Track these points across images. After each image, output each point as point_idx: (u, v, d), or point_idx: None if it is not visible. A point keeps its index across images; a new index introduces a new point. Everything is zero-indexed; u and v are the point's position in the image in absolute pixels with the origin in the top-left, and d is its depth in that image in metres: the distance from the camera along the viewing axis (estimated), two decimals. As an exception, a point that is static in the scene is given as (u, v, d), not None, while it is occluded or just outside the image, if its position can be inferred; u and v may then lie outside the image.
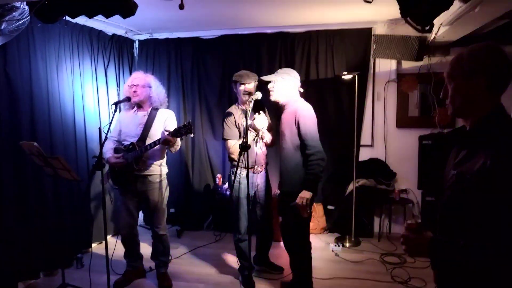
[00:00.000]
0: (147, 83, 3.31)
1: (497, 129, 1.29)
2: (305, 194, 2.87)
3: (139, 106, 3.34)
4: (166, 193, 3.42)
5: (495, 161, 1.21)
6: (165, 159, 3.44)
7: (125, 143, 3.26)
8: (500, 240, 1.19)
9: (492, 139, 1.27)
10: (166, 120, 3.32)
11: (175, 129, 3.04)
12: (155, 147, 3.15)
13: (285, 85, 3.02)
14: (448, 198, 1.39)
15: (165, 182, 3.41)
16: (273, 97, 3.08)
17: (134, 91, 3.25)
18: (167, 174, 3.47)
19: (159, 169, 3.35)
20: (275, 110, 3.80)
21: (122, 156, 3.20)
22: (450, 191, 1.38)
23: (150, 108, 3.34)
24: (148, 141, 3.19)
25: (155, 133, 3.23)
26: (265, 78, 3.13)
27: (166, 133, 3.04)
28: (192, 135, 3.09)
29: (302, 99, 3.10)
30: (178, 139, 3.21)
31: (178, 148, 3.32)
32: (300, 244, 3.10)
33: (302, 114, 2.93)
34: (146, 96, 3.30)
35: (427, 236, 1.35)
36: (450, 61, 1.41)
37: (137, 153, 3.15)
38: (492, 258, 1.19)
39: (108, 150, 3.29)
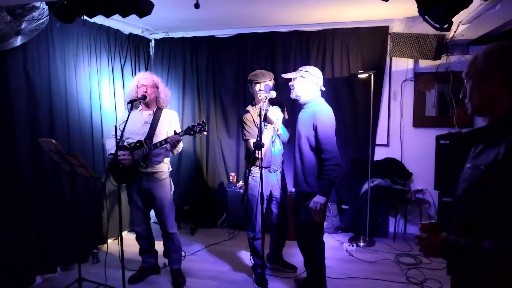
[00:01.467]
0: (155, 83, 3.36)
1: None
2: (319, 199, 2.84)
3: (146, 105, 3.38)
4: (171, 191, 3.46)
5: (507, 154, 1.22)
6: (169, 158, 3.48)
7: (130, 141, 3.28)
8: (507, 234, 1.18)
9: (507, 132, 1.27)
10: (171, 122, 3.36)
11: (188, 127, 3.07)
12: (160, 147, 3.20)
13: (305, 83, 2.97)
14: (462, 191, 1.40)
15: (169, 180, 3.45)
16: (293, 95, 3.03)
17: (145, 91, 3.29)
18: (173, 171, 3.51)
19: (164, 166, 3.40)
20: (294, 108, 3.79)
21: (128, 153, 3.23)
22: (465, 184, 1.39)
23: (156, 108, 3.38)
24: (155, 139, 3.23)
25: (161, 132, 3.28)
26: (286, 75, 3.10)
27: (173, 135, 3.08)
28: (205, 133, 3.11)
29: (323, 100, 3.04)
30: (180, 142, 3.26)
31: (179, 150, 3.36)
32: (314, 244, 3.09)
33: (320, 117, 2.87)
34: (154, 96, 3.35)
35: (441, 236, 1.36)
36: (467, 61, 1.42)
37: (145, 150, 3.19)
38: (500, 253, 1.19)
39: (113, 147, 3.32)
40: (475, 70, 1.37)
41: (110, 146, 3.34)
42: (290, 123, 3.64)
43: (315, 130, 2.87)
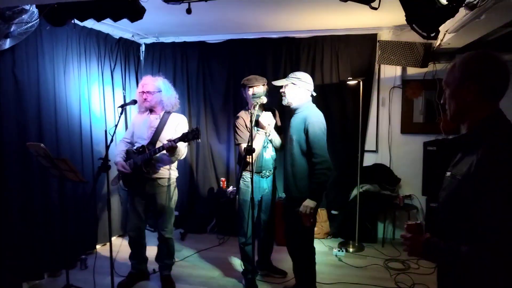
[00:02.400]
0: (157, 88, 3.32)
1: (490, 132, 1.32)
2: (309, 203, 2.84)
3: (151, 109, 3.38)
4: (174, 197, 3.45)
5: (479, 163, 1.26)
6: (176, 164, 3.45)
7: (137, 145, 3.31)
8: (481, 239, 1.23)
9: (482, 142, 1.31)
10: (177, 126, 3.34)
11: (182, 134, 3.06)
12: (160, 153, 3.18)
13: (296, 89, 3.00)
14: (443, 199, 1.46)
15: (174, 186, 3.43)
16: (284, 101, 3.06)
17: (145, 99, 3.29)
18: (177, 178, 3.49)
19: (168, 172, 3.37)
20: (285, 113, 3.82)
21: (129, 164, 3.24)
22: (444, 193, 1.44)
23: (163, 112, 3.37)
24: (159, 144, 3.22)
25: (166, 137, 3.23)
26: (276, 83, 3.12)
27: (167, 141, 3.07)
28: (199, 140, 3.11)
29: (314, 105, 3.07)
30: (183, 149, 3.24)
31: (180, 156, 3.30)
32: (304, 249, 3.09)
33: (311, 121, 2.89)
34: (157, 101, 3.33)
35: (424, 237, 1.41)
36: (446, 69, 1.47)
37: (146, 156, 3.18)
38: (476, 258, 1.24)
39: (120, 153, 3.34)
40: (452, 78, 1.39)
41: (118, 151, 3.34)
42: (282, 129, 3.67)
43: (306, 134, 2.89)
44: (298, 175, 2.98)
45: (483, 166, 1.25)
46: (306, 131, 2.89)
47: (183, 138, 3.04)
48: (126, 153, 3.35)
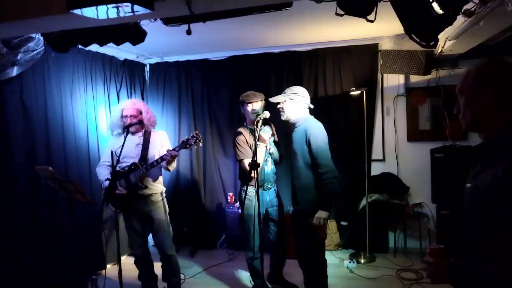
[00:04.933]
0: (138, 111, 3.40)
1: (510, 140, 1.28)
2: (322, 214, 2.86)
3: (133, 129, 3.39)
4: (167, 212, 3.47)
5: (506, 172, 1.20)
6: (161, 178, 3.51)
7: (123, 165, 3.29)
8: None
9: (504, 151, 1.26)
10: (162, 141, 3.43)
11: (183, 141, 3.12)
12: (156, 166, 3.23)
13: (294, 104, 3.04)
14: (465, 213, 1.37)
15: (165, 201, 3.47)
16: (283, 117, 3.10)
17: (130, 123, 3.31)
18: (170, 193, 3.55)
19: (159, 187, 3.43)
20: (285, 128, 3.84)
21: (120, 184, 3.27)
22: (467, 206, 1.37)
23: (143, 130, 3.43)
24: (149, 160, 3.26)
25: (153, 152, 3.33)
26: (273, 100, 3.15)
27: (167, 152, 3.14)
28: (201, 144, 3.15)
29: (312, 117, 3.11)
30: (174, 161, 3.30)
31: (175, 166, 3.40)
32: (316, 262, 3.08)
33: (312, 132, 2.93)
34: (138, 123, 3.38)
35: (449, 261, 1.32)
36: (460, 77, 1.41)
37: (141, 171, 3.21)
38: (509, 275, 1.15)
39: (105, 176, 3.34)
40: (467, 86, 1.36)
41: (103, 175, 3.35)
42: (281, 143, 3.71)
43: (309, 145, 2.91)
44: (305, 188, 2.99)
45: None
46: (308, 143, 2.92)
47: (184, 145, 3.10)
48: (116, 174, 3.34)
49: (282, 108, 3.08)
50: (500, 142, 1.30)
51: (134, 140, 3.39)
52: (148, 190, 3.32)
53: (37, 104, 3.51)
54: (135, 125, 3.33)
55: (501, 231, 1.20)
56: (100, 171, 3.43)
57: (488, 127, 1.34)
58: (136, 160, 3.28)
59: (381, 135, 4.73)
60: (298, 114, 3.05)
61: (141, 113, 3.41)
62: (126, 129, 3.17)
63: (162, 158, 3.15)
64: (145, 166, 3.21)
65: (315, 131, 2.95)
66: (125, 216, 3.45)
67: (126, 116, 3.35)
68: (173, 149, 3.14)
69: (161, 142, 3.41)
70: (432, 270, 1.36)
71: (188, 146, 3.10)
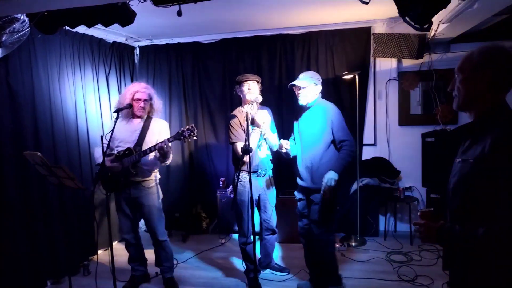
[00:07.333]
0: (150, 96, 3.36)
1: (498, 120, 1.39)
2: (333, 175, 2.94)
3: (135, 114, 3.35)
4: (160, 198, 3.44)
5: (492, 146, 1.31)
6: (157, 165, 3.45)
7: (119, 149, 3.26)
8: (498, 221, 1.26)
9: (491, 128, 1.37)
10: (161, 131, 3.37)
11: (177, 132, 3.07)
12: (151, 154, 3.19)
13: (316, 89, 3.11)
14: (454, 184, 1.48)
15: (158, 187, 3.43)
16: (303, 101, 3.10)
17: (143, 107, 3.28)
18: (162, 179, 3.52)
19: (153, 175, 3.39)
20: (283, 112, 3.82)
21: (114, 159, 3.21)
22: (456, 178, 1.47)
23: (146, 116, 3.38)
24: (145, 147, 3.22)
25: (150, 140, 3.27)
26: (298, 83, 3.09)
27: (161, 142, 3.07)
28: (195, 137, 3.10)
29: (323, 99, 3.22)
30: (171, 153, 3.25)
31: (168, 162, 3.32)
32: (327, 238, 3.16)
33: (333, 112, 3.08)
34: (148, 108, 3.36)
35: (438, 223, 1.44)
36: (462, 57, 1.49)
37: (134, 157, 3.17)
38: (492, 239, 1.27)
39: (100, 155, 3.29)
40: (468, 65, 1.44)
41: (99, 155, 3.31)
42: (279, 128, 3.68)
43: (332, 123, 3.03)
44: (325, 165, 3.04)
45: (499, 146, 1.29)
46: (331, 122, 3.03)
47: (178, 136, 3.04)
48: (107, 156, 3.30)
49: (302, 93, 3.08)
50: (489, 120, 1.41)
51: (133, 126, 3.34)
52: (138, 177, 3.28)
53: (24, 87, 3.43)
54: (125, 108, 3.26)
55: (488, 198, 1.31)
56: (97, 150, 3.40)
57: (478, 106, 1.45)
58: (132, 146, 3.23)
59: (372, 119, 4.74)
60: (314, 98, 3.13)
61: (151, 98, 3.37)
62: (117, 113, 3.10)
63: (154, 147, 3.11)
64: (138, 153, 3.17)
65: (336, 110, 3.10)
66: (116, 199, 3.42)
67: (140, 100, 3.29)
68: (167, 139, 3.08)
69: (160, 131, 3.34)
70: (422, 231, 1.48)
71: (182, 138, 3.04)
